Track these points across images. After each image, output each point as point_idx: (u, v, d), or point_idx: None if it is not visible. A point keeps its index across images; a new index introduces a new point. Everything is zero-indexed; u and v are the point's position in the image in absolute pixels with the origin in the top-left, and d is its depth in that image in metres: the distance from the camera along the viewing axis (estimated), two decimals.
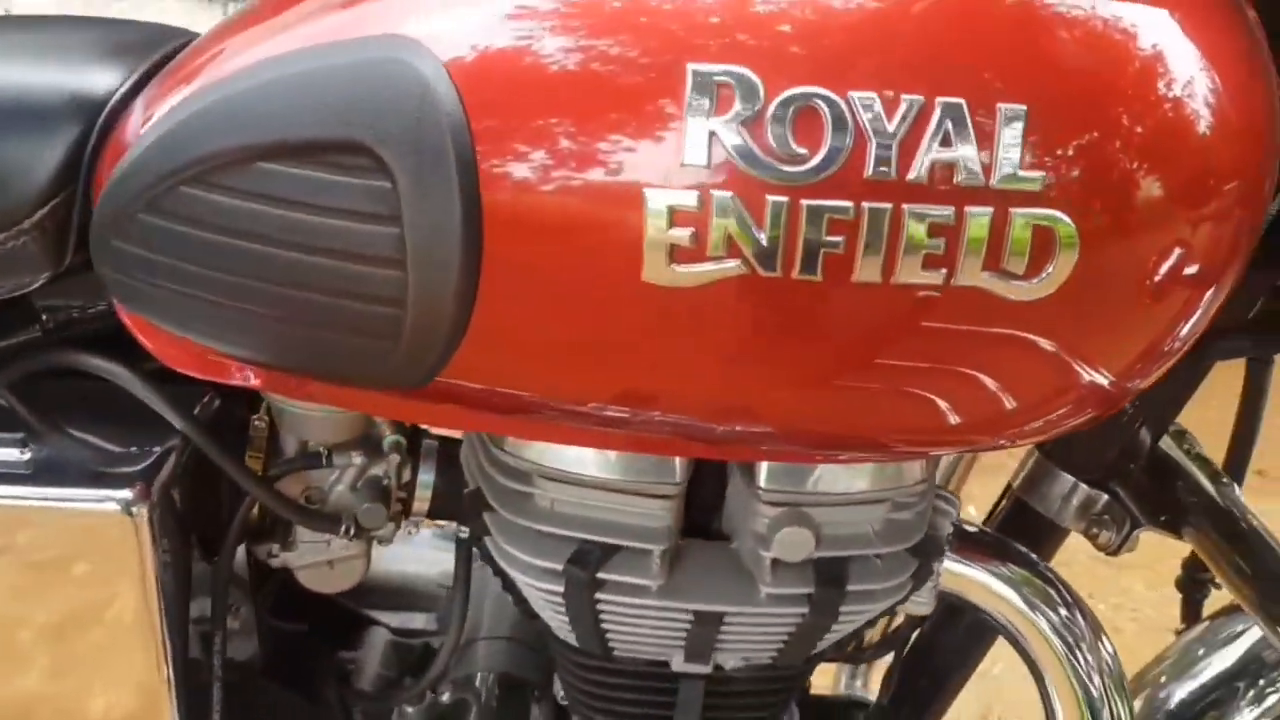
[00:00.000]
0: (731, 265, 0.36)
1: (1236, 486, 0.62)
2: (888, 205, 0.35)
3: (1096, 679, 0.59)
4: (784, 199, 0.35)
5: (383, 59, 0.37)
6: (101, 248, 0.45)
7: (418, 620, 0.78)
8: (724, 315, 0.37)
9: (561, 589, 0.50)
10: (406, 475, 0.58)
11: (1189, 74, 0.39)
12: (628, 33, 0.35)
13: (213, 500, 0.56)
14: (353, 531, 0.56)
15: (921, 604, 0.58)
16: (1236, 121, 0.40)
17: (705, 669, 0.55)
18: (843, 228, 0.35)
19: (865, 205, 0.35)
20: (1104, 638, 0.60)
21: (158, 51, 0.50)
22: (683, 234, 0.35)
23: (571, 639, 0.55)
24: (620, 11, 0.36)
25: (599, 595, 0.50)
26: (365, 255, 0.38)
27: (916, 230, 0.35)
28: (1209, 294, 0.42)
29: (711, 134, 0.34)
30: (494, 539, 0.53)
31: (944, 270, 0.36)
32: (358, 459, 0.57)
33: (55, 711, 0.52)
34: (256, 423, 0.56)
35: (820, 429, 0.43)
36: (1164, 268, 0.40)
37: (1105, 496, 0.62)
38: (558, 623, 0.54)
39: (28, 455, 0.49)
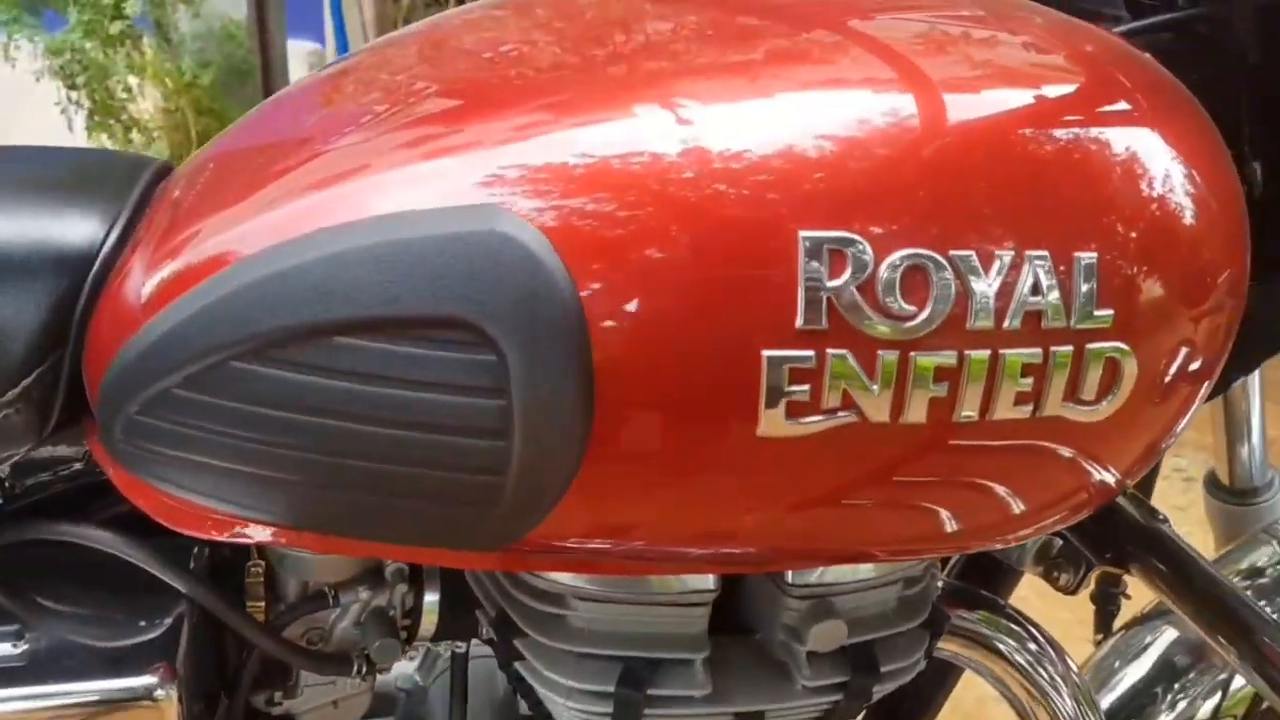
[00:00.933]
0: (844, 416, 0.37)
1: (1168, 519, 0.68)
2: (987, 351, 0.37)
3: (1070, 702, 0.64)
4: (895, 354, 0.36)
5: (481, 231, 0.35)
6: (111, 416, 0.41)
7: None
8: (831, 460, 0.38)
9: (610, 710, 0.50)
10: (410, 601, 0.56)
11: (1189, 188, 0.44)
12: (735, 195, 0.36)
13: (215, 658, 0.52)
14: (364, 670, 0.54)
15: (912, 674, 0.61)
16: (1223, 223, 0.45)
17: None
18: (947, 374, 0.37)
19: (968, 354, 0.37)
20: (1070, 661, 0.65)
21: (133, 189, 0.46)
22: (800, 391, 0.36)
23: None
24: (723, 173, 0.36)
25: (647, 711, 0.51)
26: (466, 428, 0.36)
27: (1012, 372, 0.37)
28: (1207, 384, 0.46)
29: (826, 298, 0.36)
30: (530, 664, 0.52)
31: (1032, 404, 0.38)
32: (364, 593, 0.54)
33: None
34: (253, 569, 0.52)
35: (882, 546, 0.45)
36: (1181, 365, 0.44)
37: (1059, 541, 0.67)
38: None
39: (22, 647, 0.44)
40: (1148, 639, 0.82)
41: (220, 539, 0.43)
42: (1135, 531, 0.66)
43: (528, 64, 0.44)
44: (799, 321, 0.36)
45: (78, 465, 0.50)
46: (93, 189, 0.46)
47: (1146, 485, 0.76)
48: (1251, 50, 0.56)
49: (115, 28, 2.07)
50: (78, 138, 2.14)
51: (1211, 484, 0.88)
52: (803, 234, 0.36)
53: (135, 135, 2.15)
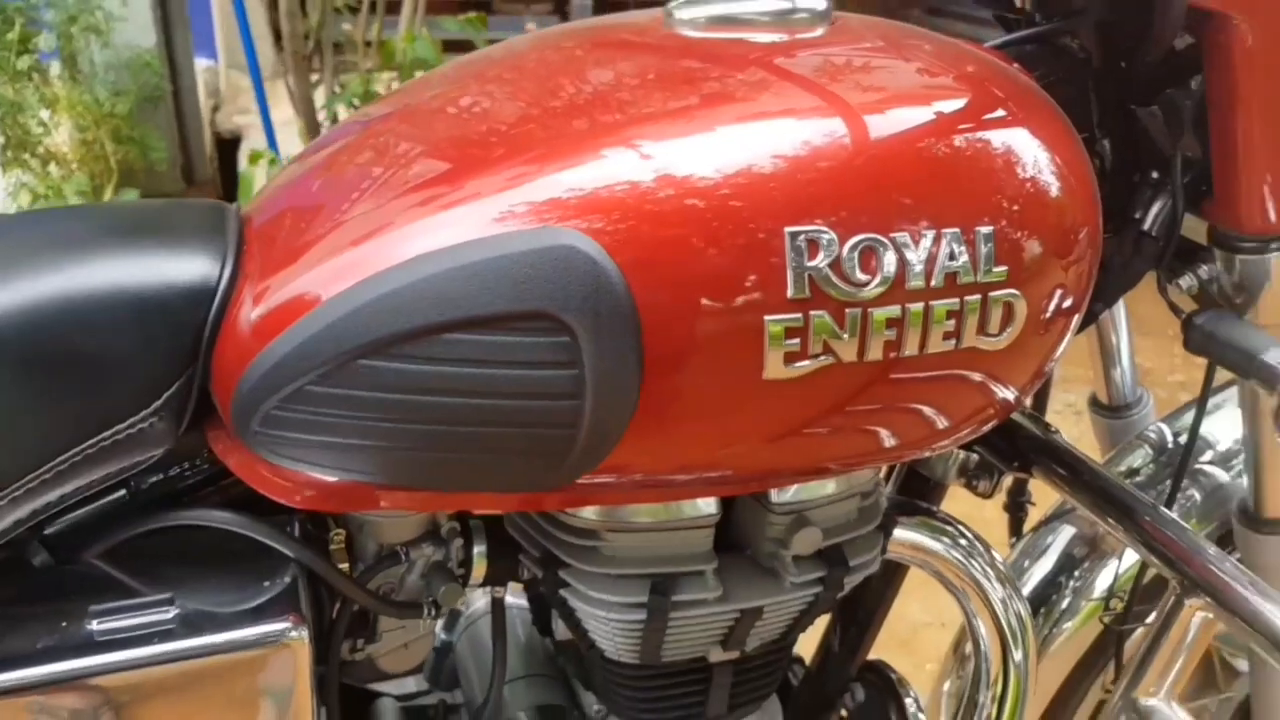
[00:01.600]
0: (824, 359, 0.50)
1: (1059, 431, 0.84)
2: (920, 304, 0.50)
3: (999, 585, 0.78)
4: (857, 311, 0.49)
5: (552, 245, 0.47)
6: (248, 414, 0.52)
7: (408, 685, 0.87)
8: (814, 394, 0.51)
9: (644, 618, 0.63)
10: (462, 554, 0.67)
11: (1052, 169, 0.58)
12: (736, 205, 0.49)
13: (316, 612, 0.62)
14: (433, 613, 0.65)
15: (874, 567, 0.75)
16: (1079, 193, 0.59)
17: (735, 654, 0.70)
18: (894, 323, 0.50)
19: (908, 307, 0.50)
20: (995, 553, 0.80)
21: (226, 232, 0.57)
22: (793, 343, 0.49)
23: (629, 657, 0.67)
24: (726, 189, 0.49)
25: (671, 615, 0.63)
26: (549, 393, 0.48)
27: (940, 315, 0.51)
28: (1077, 317, 0.61)
29: (807, 275, 0.49)
30: (572, 589, 0.64)
31: (954, 339, 0.52)
32: (427, 549, 0.65)
33: None
34: (335, 537, 0.63)
35: (851, 458, 0.58)
36: (1057, 304, 0.58)
37: (976, 457, 0.81)
38: (619, 647, 0.66)
39: (173, 613, 0.55)
40: (1050, 539, 0.98)
41: (338, 509, 0.54)
42: (1035, 443, 0.81)
43: (558, 115, 0.56)
44: (789, 293, 0.49)
45: (176, 469, 0.60)
46: (192, 234, 0.56)
47: (1040, 408, 0.91)
48: (1095, 56, 0.71)
49: (23, 63, 2.09)
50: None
51: (1094, 404, 1.04)
52: (788, 230, 0.49)
53: (53, 168, 2.17)
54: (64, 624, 0.53)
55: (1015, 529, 0.98)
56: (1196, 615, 0.72)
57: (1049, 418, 0.87)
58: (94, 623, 0.52)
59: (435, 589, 0.65)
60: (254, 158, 2.20)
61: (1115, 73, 0.71)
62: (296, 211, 0.57)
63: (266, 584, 0.57)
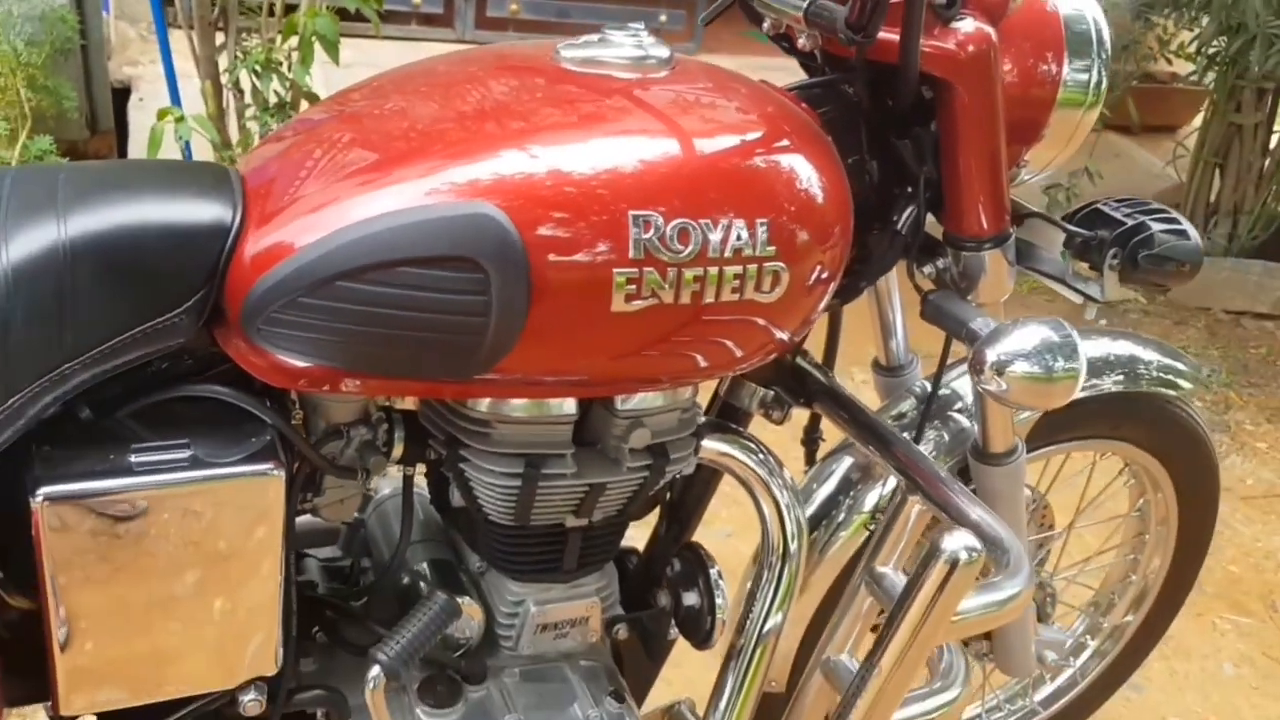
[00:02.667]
0: (651, 300, 0.76)
1: (835, 376, 1.12)
2: (717, 269, 0.77)
3: (785, 493, 1.05)
4: (674, 270, 0.75)
5: (477, 213, 0.72)
6: (255, 315, 0.74)
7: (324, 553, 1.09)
8: (646, 325, 0.77)
9: (519, 484, 0.87)
10: (385, 436, 0.90)
11: (817, 184, 0.85)
12: (596, 192, 0.74)
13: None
14: (365, 478, 0.89)
15: (688, 467, 1.01)
16: (836, 201, 0.87)
17: (584, 522, 0.95)
18: (698, 280, 0.76)
19: (708, 270, 0.76)
20: (785, 469, 1.07)
21: (233, 184, 0.78)
22: (632, 289, 0.75)
23: (505, 519, 0.92)
24: (589, 180, 0.74)
25: (540, 484, 0.88)
26: (466, 311, 0.73)
27: (730, 277, 0.77)
28: (831, 286, 0.88)
29: (643, 243, 0.74)
30: (467, 463, 0.88)
31: (739, 294, 0.78)
32: (362, 430, 0.88)
33: (207, 611, 0.80)
34: (296, 414, 0.86)
35: (670, 374, 0.84)
36: (815, 276, 0.85)
37: (771, 392, 1.09)
38: (499, 509, 0.91)
39: (187, 453, 0.77)
40: (834, 466, 1.26)
41: (311, 389, 0.77)
42: (819, 386, 1.09)
43: (467, 117, 0.80)
44: (630, 255, 0.74)
45: (185, 358, 0.82)
46: (211, 188, 0.78)
47: (829, 364, 1.20)
48: (864, 100, 0.99)
49: None
50: None
51: (875, 365, 1.33)
52: (631, 212, 0.74)
53: None
54: (111, 456, 0.74)
55: (810, 459, 1.26)
56: (915, 508, 1.00)
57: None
58: (132, 456, 0.74)
59: (366, 460, 0.89)
60: (161, 114, 2.34)
61: (880, 113, 0.99)
62: (284, 177, 0.79)
63: (252, 440, 0.79)
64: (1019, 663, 1.35)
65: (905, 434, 1.15)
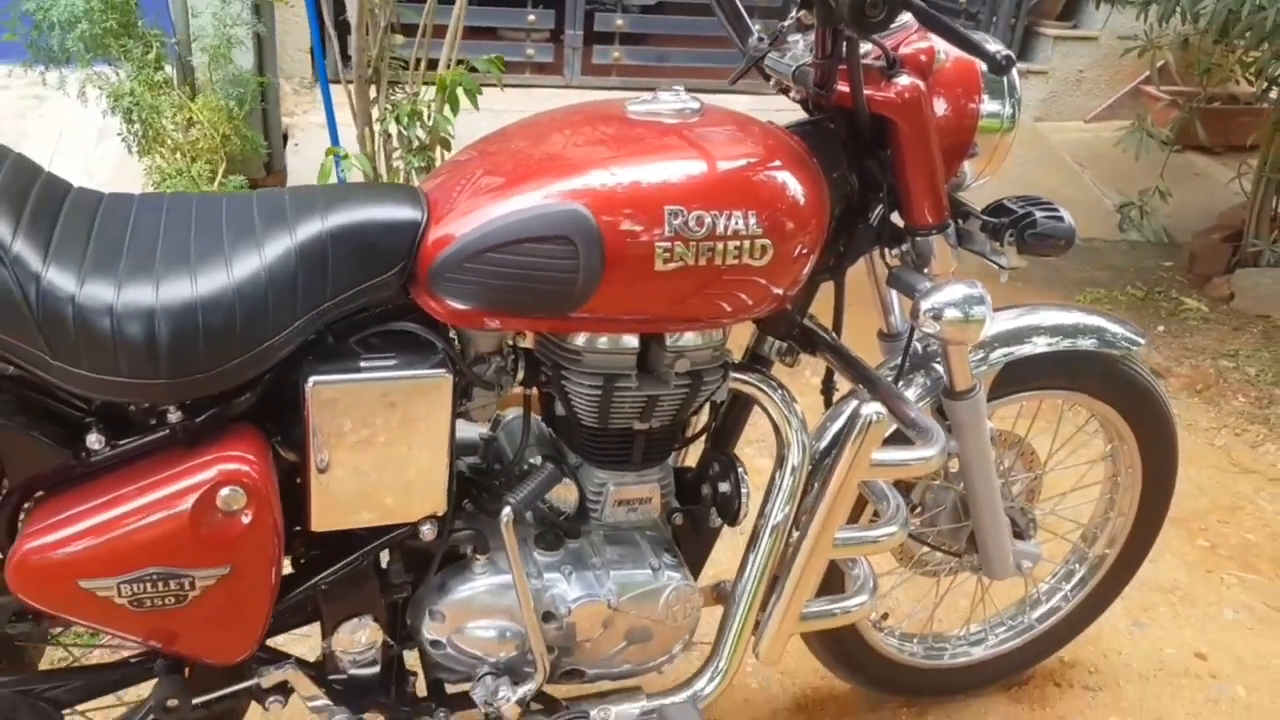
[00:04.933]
0: (681, 264, 1.19)
1: (838, 336, 1.52)
2: (724, 244, 1.19)
3: (794, 419, 1.47)
4: (695, 243, 1.18)
5: (572, 208, 1.16)
6: (437, 278, 1.20)
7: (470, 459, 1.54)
8: (679, 281, 1.20)
9: (599, 394, 1.31)
10: (512, 364, 1.35)
11: (800, 190, 1.27)
12: (642, 193, 1.18)
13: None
14: (500, 389, 1.34)
15: (721, 394, 1.43)
16: (815, 203, 1.29)
17: (646, 426, 1.38)
18: (710, 250, 1.19)
19: (716, 244, 1.19)
20: (798, 405, 1.48)
21: (421, 196, 1.25)
22: (667, 253, 1.18)
23: (592, 422, 1.35)
24: (632, 187, 1.18)
25: (614, 395, 1.32)
26: (565, 269, 1.17)
27: (731, 249, 1.20)
28: (812, 259, 1.30)
29: (672, 224, 1.18)
30: (567, 381, 1.32)
31: (738, 260, 1.21)
32: (497, 358, 1.34)
33: (403, 465, 1.26)
34: (455, 343, 1.31)
35: (702, 316, 1.27)
36: (797, 251, 1.27)
37: (786, 344, 1.50)
38: (588, 414, 1.34)
39: (394, 362, 1.23)
40: (843, 408, 1.65)
41: (469, 325, 1.23)
42: (823, 341, 1.50)
43: (565, 151, 1.25)
44: (665, 233, 1.18)
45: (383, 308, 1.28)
46: (407, 200, 1.24)
47: (837, 330, 1.61)
48: (842, 132, 1.40)
49: (159, 76, 2.76)
50: (134, 158, 2.83)
51: (879, 334, 1.73)
52: (666, 207, 1.18)
53: (178, 156, 2.85)
54: (350, 362, 1.20)
55: (827, 404, 1.67)
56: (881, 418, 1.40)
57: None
58: (362, 362, 1.20)
59: (500, 379, 1.34)
60: (329, 152, 2.88)
61: (854, 142, 1.40)
62: (450, 191, 1.25)
63: (431, 358, 1.24)
64: (998, 566, 1.73)
65: (888, 375, 1.55)
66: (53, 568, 1.13)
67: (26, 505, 1.19)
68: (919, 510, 1.77)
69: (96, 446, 1.16)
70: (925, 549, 1.80)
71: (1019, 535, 1.76)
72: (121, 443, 1.18)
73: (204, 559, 1.16)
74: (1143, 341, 1.70)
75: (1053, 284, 4.16)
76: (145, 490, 1.15)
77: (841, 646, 1.86)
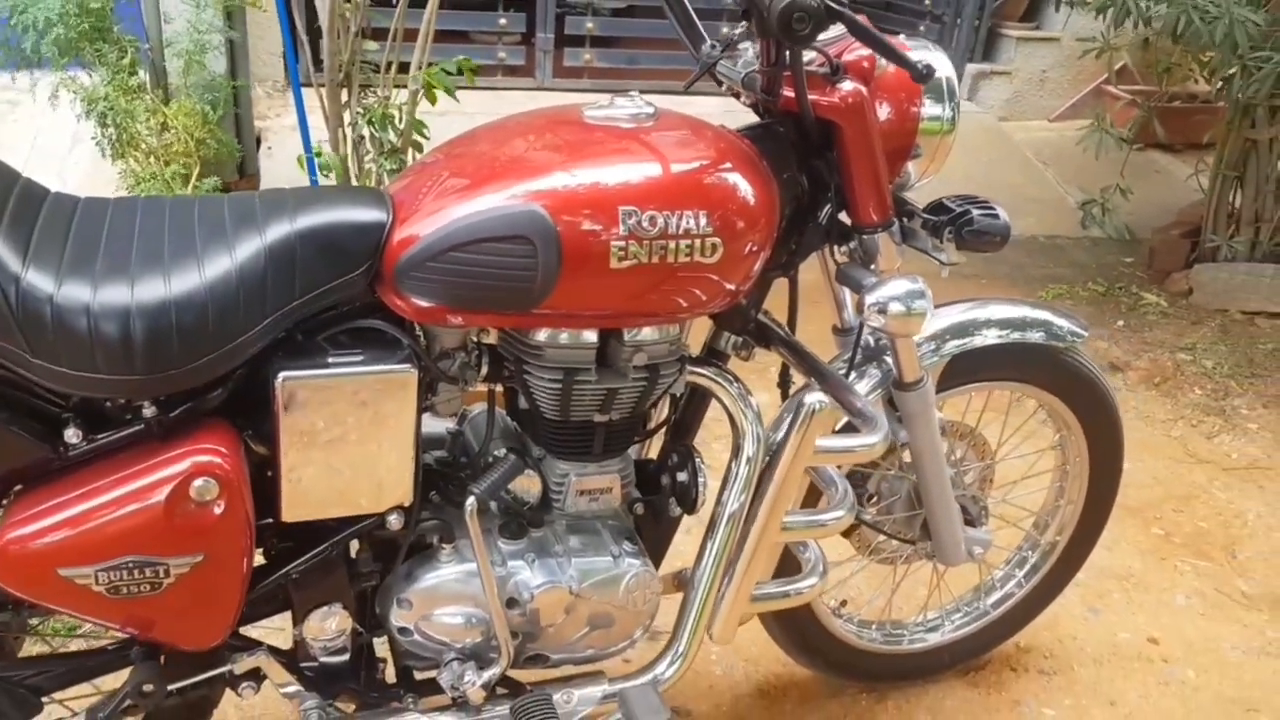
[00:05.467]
0: (632, 261, 1.24)
1: (793, 331, 1.59)
2: (675, 242, 1.25)
3: (748, 410, 1.53)
4: (648, 242, 1.24)
5: (530, 209, 1.21)
6: (402, 276, 1.25)
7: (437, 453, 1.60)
8: (634, 278, 1.26)
9: (560, 388, 1.36)
10: (476, 359, 1.40)
11: (750, 191, 1.33)
12: (596, 193, 1.23)
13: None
14: (464, 384, 1.39)
15: (679, 387, 1.49)
16: (765, 203, 1.34)
17: (606, 418, 1.44)
18: (662, 249, 1.25)
19: (669, 242, 1.25)
20: (753, 398, 1.54)
21: (385, 198, 1.30)
22: (621, 252, 1.23)
23: (554, 415, 1.41)
24: (589, 188, 1.24)
25: (574, 388, 1.37)
26: (522, 268, 1.22)
27: (683, 248, 1.25)
28: (763, 257, 1.36)
29: (630, 224, 1.23)
30: (529, 375, 1.37)
31: (690, 257, 1.27)
32: (460, 354, 1.39)
33: (370, 457, 1.31)
34: (420, 339, 1.36)
35: (657, 312, 1.33)
36: (747, 249, 1.33)
37: (741, 339, 1.56)
38: (550, 407, 1.40)
39: (361, 358, 1.28)
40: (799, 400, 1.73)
41: (431, 322, 1.28)
42: (776, 335, 1.57)
43: (525, 154, 1.30)
44: (620, 232, 1.23)
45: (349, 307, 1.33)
46: (373, 201, 1.29)
47: (791, 326, 1.66)
48: (791, 135, 1.46)
49: (133, 81, 2.79)
50: (108, 162, 2.86)
51: (834, 329, 1.79)
52: (620, 207, 1.23)
53: (152, 160, 2.89)
54: (317, 358, 1.25)
55: (784, 397, 1.73)
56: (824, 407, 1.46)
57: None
58: (329, 359, 1.25)
59: (464, 374, 1.39)
60: (304, 157, 2.92)
61: (803, 144, 1.46)
62: (414, 193, 1.30)
63: (397, 354, 1.29)
64: (950, 553, 1.79)
65: (841, 368, 1.62)
66: (33, 557, 1.17)
67: (5, 500, 1.24)
68: (875, 499, 1.84)
69: (74, 441, 1.21)
70: (881, 537, 1.86)
71: (970, 522, 1.83)
72: (98, 437, 1.23)
73: (178, 547, 1.20)
74: (1086, 334, 1.77)
75: (1016, 280, 4.25)
76: (121, 482, 1.19)
77: (802, 633, 1.92)
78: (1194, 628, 2.33)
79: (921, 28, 1.41)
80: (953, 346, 1.70)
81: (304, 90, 3.33)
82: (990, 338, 1.69)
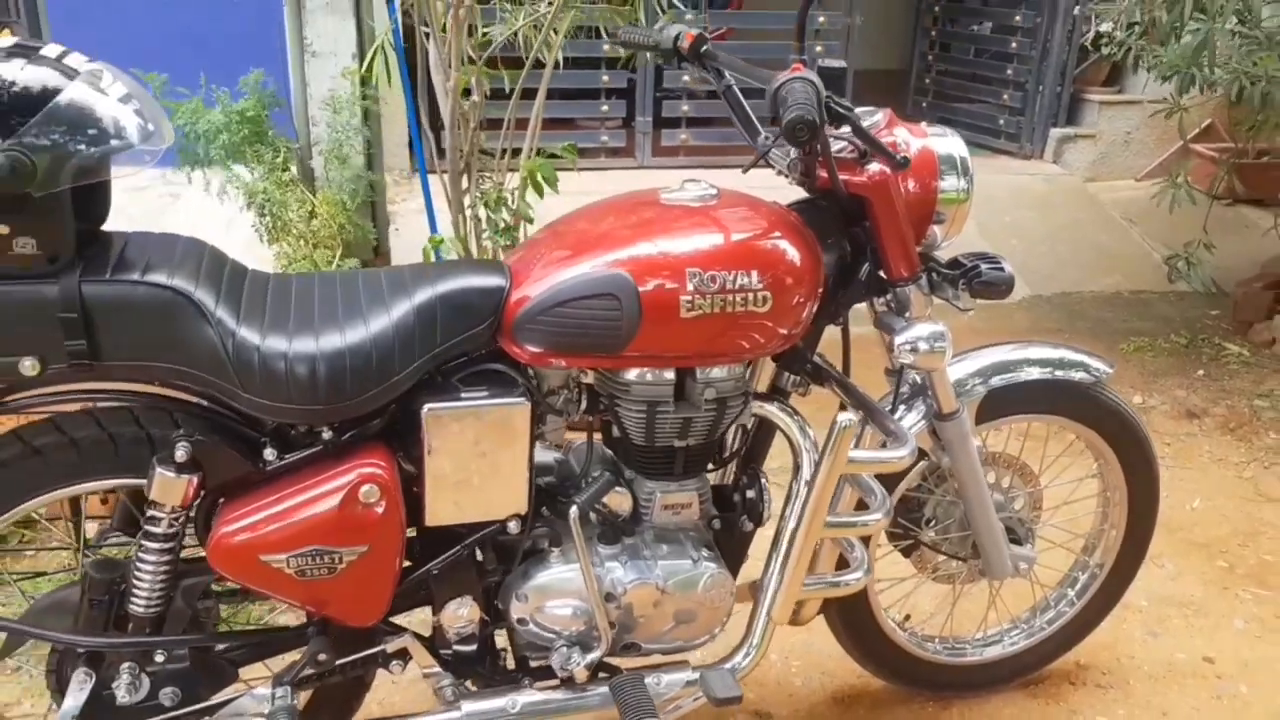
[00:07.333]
0: (699, 312, 1.56)
1: (846, 371, 1.87)
2: (731, 295, 1.56)
3: (807, 440, 1.81)
4: (710, 296, 1.55)
5: (617, 274, 1.54)
6: (518, 328, 1.59)
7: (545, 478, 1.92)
8: (701, 326, 1.57)
9: (645, 418, 1.68)
10: (576, 395, 1.73)
11: (796, 253, 1.63)
12: (670, 259, 1.56)
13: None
14: (569, 416, 1.72)
15: (746, 419, 1.78)
16: (809, 263, 1.65)
17: (685, 444, 1.74)
18: (721, 302, 1.56)
19: (727, 295, 1.56)
20: (811, 429, 1.82)
21: (502, 270, 1.65)
22: (689, 305, 1.55)
23: (641, 441, 1.72)
24: (661, 256, 1.56)
25: (656, 416, 1.68)
26: (611, 320, 1.55)
27: (739, 301, 1.56)
28: (811, 307, 1.66)
29: (695, 282, 1.55)
30: (619, 408, 1.69)
31: (745, 308, 1.57)
32: (565, 391, 1.72)
33: (494, 472, 1.64)
34: (532, 379, 1.69)
35: (722, 353, 1.63)
36: (794, 300, 1.63)
37: (799, 377, 1.86)
38: (637, 434, 1.71)
39: (486, 393, 1.62)
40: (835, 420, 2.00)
41: (543, 364, 1.62)
42: (830, 374, 1.86)
43: (613, 230, 1.64)
44: (689, 288, 1.55)
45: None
46: (494, 272, 1.64)
47: (845, 369, 1.95)
48: (833, 209, 1.77)
49: (286, 176, 3.27)
50: (266, 245, 3.34)
51: (886, 371, 2.06)
52: (688, 269, 1.55)
53: (302, 243, 3.35)
54: (454, 394, 1.60)
55: None
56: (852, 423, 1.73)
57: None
58: (463, 393, 1.59)
59: (567, 408, 1.72)
60: (434, 242, 3.34)
61: (844, 213, 1.76)
62: (527, 264, 1.65)
63: (514, 390, 1.63)
64: (996, 567, 2.03)
65: (888, 403, 1.89)
66: (243, 548, 1.53)
67: (218, 506, 1.61)
68: (932, 522, 2.09)
69: (271, 458, 1.57)
70: (940, 557, 2.11)
71: (1017, 541, 2.06)
72: (287, 456, 1.59)
73: (349, 539, 1.55)
74: (1111, 370, 2.01)
75: (1099, 333, 4.41)
76: (307, 489, 1.55)
77: (871, 644, 2.17)
78: (1250, 649, 2.47)
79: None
80: (997, 381, 1.95)
81: (430, 177, 3.79)
82: (1027, 374, 1.94)
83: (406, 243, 4.60)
